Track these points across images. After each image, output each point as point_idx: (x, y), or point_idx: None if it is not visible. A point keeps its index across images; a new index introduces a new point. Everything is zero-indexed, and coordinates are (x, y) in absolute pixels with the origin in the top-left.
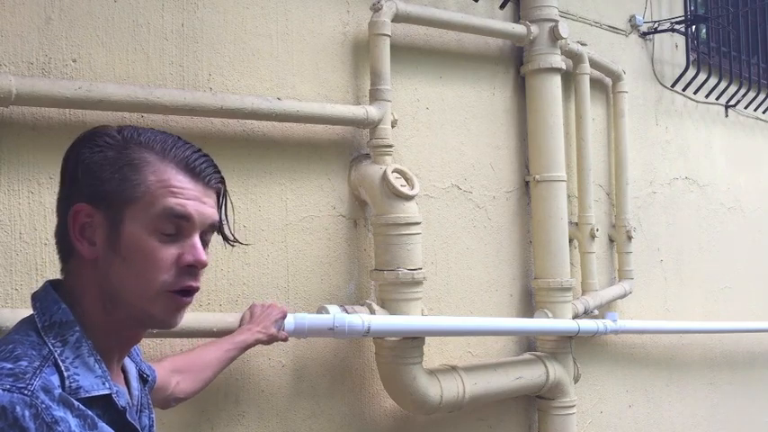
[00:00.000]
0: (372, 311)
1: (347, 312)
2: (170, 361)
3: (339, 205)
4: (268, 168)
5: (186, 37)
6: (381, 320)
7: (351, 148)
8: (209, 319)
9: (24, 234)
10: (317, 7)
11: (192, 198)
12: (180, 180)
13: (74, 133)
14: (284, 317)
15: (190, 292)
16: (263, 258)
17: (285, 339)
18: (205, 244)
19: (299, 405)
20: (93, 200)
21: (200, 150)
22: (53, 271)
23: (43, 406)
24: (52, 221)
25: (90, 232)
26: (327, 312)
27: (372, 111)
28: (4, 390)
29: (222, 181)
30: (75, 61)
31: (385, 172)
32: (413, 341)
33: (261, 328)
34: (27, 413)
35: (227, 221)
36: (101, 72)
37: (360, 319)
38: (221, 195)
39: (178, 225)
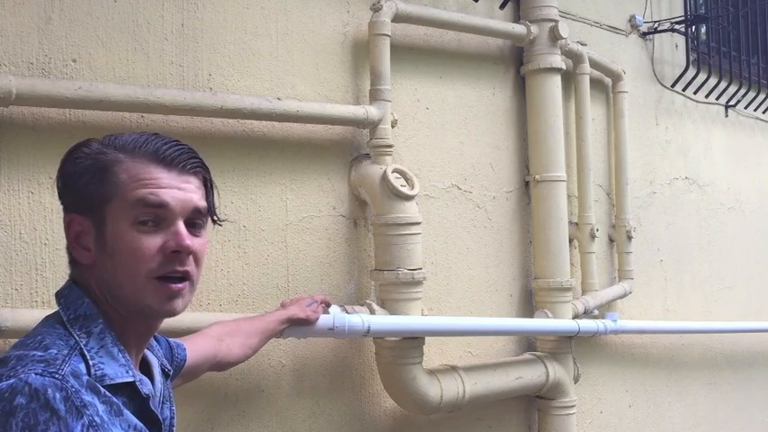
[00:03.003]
0: (372, 311)
1: (347, 312)
2: (217, 327)
3: (339, 205)
4: (268, 168)
5: (186, 37)
6: (381, 320)
7: (351, 148)
8: (210, 318)
9: (24, 234)
10: (317, 7)
11: (167, 186)
12: (151, 171)
13: (74, 133)
14: (313, 301)
15: (179, 277)
16: (263, 258)
17: (314, 319)
18: (196, 227)
19: (299, 405)
20: (80, 208)
21: (173, 141)
22: (53, 271)
23: (73, 390)
24: (52, 221)
25: (84, 239)
26: (327, 312)
27: (372, 111)
28: (36, 374)
29: (201, 165)
30: (75, 61)
31: (385, 172)
32: (413, 341)
33: (296, 307)
34: (58, 396)
35: (214, 204)
36: (101, 72)
37: (360, 319)
38: (208, 182)
39: (156, 214)
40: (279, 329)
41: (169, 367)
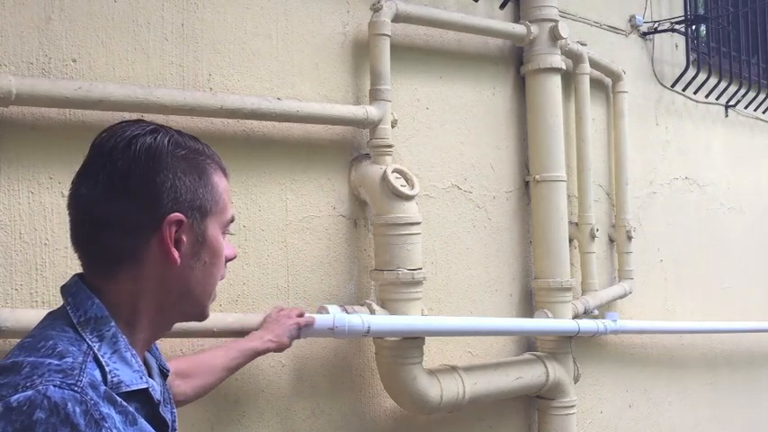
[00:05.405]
0: (372, 311)
1: (347, 312)
2: (173, 364)
3: (339, 205)
4: (268, 168)
5: (186, 37)
6: (381, 320)
7: (351, 148)
8: (209, 318)
9: (24, 234)
10: (317, 7)
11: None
12: (226, 184)
13: (74, 133)
14: (299, 327)
15: None
16: (263, 258)
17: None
18: None
19: (299, 405)
20: (184, 209)
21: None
22: (53, 271)
23: (92, 402)
24: (52, 221)
25: (177, 239)
26: (327, 312)
27: (372, 111)
28: (55, 386)
29: None
30: (75, 61)
31: (385, 172)
32: (413, 341)
33: (273, 336)
34: (78, 410)
35: None
36: (101, 72)
37: (360, 319)
38: None
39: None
40: (245, 364)
41: (167, 367)
